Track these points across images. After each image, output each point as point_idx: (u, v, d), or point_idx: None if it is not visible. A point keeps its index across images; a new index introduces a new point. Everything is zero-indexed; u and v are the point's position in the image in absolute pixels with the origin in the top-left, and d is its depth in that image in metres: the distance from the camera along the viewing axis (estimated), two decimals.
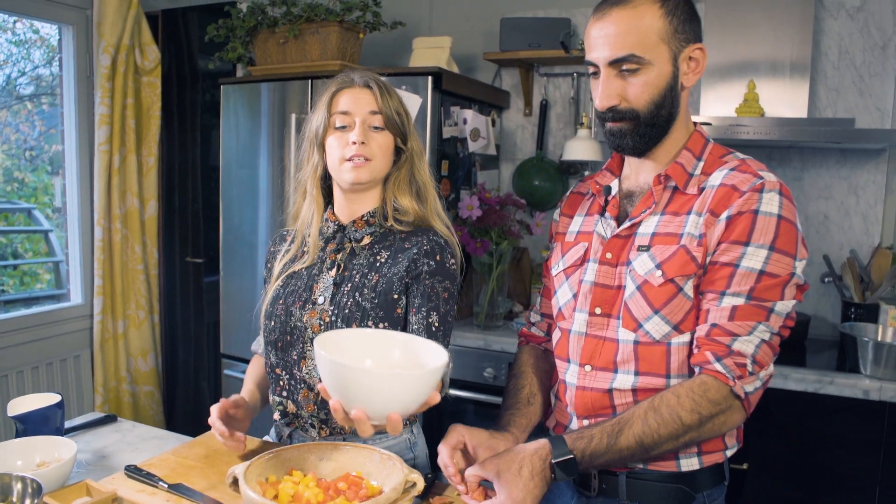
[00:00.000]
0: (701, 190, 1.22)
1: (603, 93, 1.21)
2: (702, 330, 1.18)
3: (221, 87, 2.95)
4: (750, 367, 1.13)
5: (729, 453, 1.27)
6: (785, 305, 1.15)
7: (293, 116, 2.69)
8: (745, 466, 2.17)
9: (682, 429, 1.13)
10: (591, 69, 1.23)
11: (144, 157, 3.22)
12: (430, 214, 1.46)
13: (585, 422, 1.28)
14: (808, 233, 2.65)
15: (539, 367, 1.43)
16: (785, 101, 2.53)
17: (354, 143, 1.36)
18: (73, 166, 3.09)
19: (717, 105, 2.59)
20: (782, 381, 2.13)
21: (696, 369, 1.17)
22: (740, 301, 1.14)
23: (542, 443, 1.15)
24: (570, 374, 1.31)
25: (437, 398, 1.11)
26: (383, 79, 1.45)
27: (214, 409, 1.37)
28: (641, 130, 1.22)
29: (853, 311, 2.45)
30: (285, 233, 1.57)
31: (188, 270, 3.43)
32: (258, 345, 1.59)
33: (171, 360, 3.43)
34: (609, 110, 1.22)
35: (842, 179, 2.62)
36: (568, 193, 1.49)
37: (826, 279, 2.59)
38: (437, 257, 1.39)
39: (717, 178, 1.21)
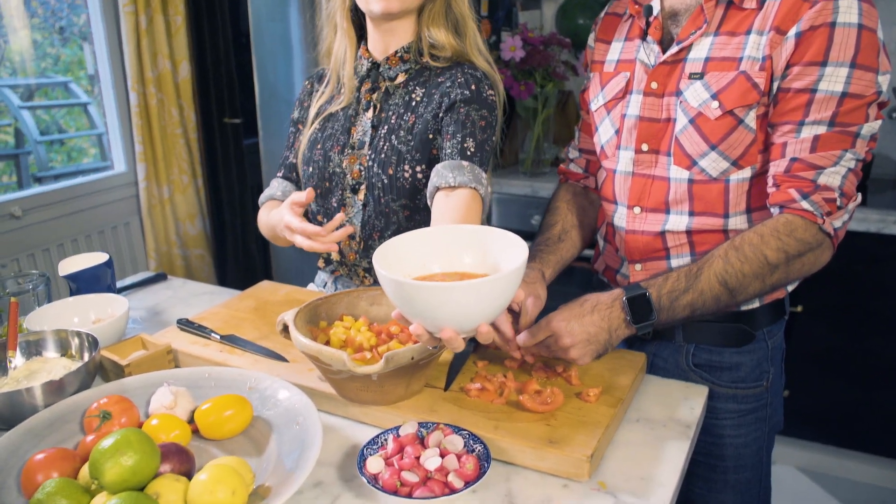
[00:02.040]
0: (761, 3, 1.06)
1: None
2: (779, 166, 1.06)
3: None
4: (838, 202, 1.03)
5: (790, 288, 1.21)
6: (871, 127, 1.04)
7: None
8: (799, 309, 2.14)
9: (768, 268, 1.04)
10: None
11: (171, 17, 3.10)
12: (470, 49, 1.34)
13: (637, 266, 1.23)
14: None
15: (576, 202, 1.35)
16: None
17: None
18: (101, 31, 2.99)
19: None
20: None
21: (776, 209, 1.07)
22: (822, 129, 1.03)
23: (616, 290, 1.08)
24: (619, 217, 1.24)
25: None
26: None
27: (294, 214, 1.17)
28: None
29: None
30: (322, 71, 1.48)
31: (227, 132, 3.38)
32: (267, 195, 1.48)
33: (218, 224, 3.46)
34: None
35: None
36: (602, 14, 1.33)
37: (894, 114, 2.43)
38: (473, 87, 1.28)
39: None
